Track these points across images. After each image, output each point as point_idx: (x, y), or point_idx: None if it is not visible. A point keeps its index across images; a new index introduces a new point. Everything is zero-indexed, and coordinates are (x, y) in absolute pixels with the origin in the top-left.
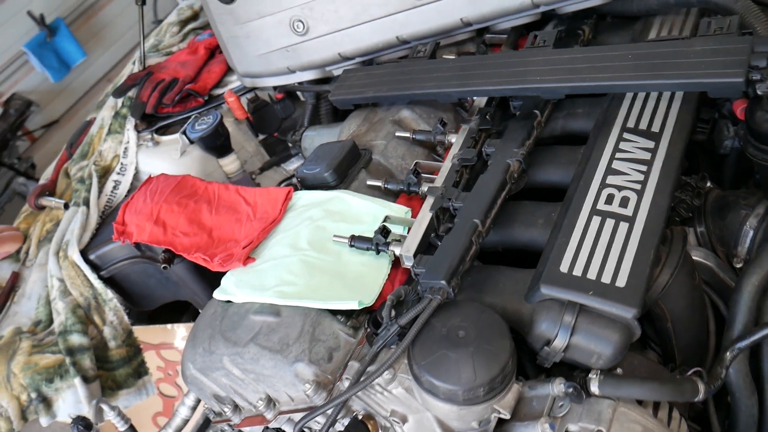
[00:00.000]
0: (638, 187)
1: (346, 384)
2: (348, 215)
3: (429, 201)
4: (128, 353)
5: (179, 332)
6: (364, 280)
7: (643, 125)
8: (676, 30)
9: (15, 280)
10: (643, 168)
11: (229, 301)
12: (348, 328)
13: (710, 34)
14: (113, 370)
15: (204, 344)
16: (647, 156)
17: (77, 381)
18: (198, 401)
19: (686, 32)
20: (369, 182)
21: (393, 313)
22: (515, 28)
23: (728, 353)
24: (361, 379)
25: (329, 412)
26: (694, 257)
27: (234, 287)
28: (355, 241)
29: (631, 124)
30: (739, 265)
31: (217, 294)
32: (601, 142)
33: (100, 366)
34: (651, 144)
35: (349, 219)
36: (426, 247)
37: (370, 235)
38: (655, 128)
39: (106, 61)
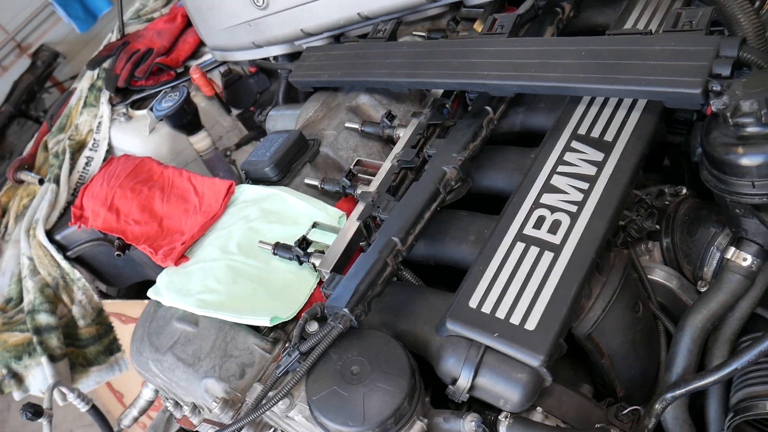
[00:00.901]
0: (573, 209)
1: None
2: (284, 216)
3: (359, 208)
4: (98, 331)
5: None
6: (289, 291)
7: (595, 133)
8: (660, 14)
9: None
10: (585, 186)
11: (159, 302)
12: (265, 342)
13: (676, 30)
14: (83, 348)
15: (136, 344)
16: (592, 171)
17: (44, 360)
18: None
19: (659, 19)
20: (307, 180)
21: (306, 332)
22: (493, 2)
23: (658, 404)
24: (258, 404)
25: None
26: (654, 277)
27: (164, 288)
28: (279, 249)
29: (582, 130)
30: (703, 289)
31: (151, 293)
32: (546, 150)
33: (70, 344)
34: (599, 156)
35: (284, 220)
36: (349, 260)
37: None
38: (609, 137)
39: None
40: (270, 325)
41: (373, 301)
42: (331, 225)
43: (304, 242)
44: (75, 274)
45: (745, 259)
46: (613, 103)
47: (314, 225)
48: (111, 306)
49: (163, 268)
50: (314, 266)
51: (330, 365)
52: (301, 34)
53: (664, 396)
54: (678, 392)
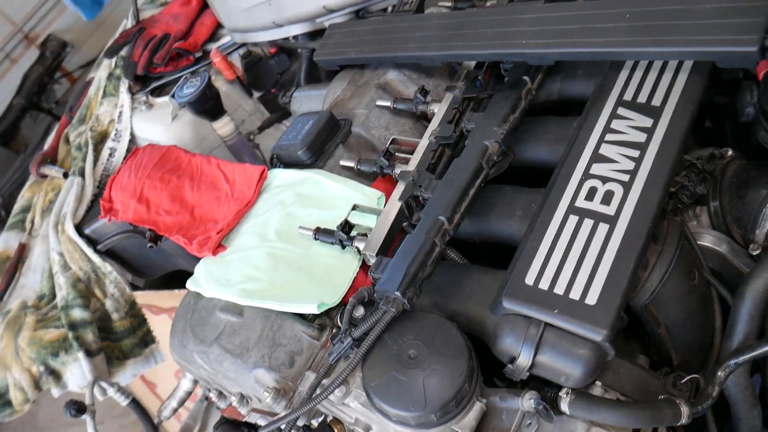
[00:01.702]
0: (626, 178)
1: (303, 395)
2: (320, 200)
3: (399, 188)
4: (132, 324)
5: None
6: (332, 275)
7: (642, 98)
8: None
9: (22, 251)
10: (635, 153)
11: (198, 293)
12: (312, 329)
13: None
14: (119, 341)
15: (178, 336)
16: (642, 138)
17: (80, 355)
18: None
19: None
20: (342, 162)
21: (354, 317)
22: None
23: (721, 372)
24: (314, 394)
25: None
26: (703, 243)
27: (203, 279)
28: (320, 234)
29: (628, 96)
30: (756, 252)
31: (189, 284)
32: (592, 119)
33: (105, 337)
34: (649, 122)
35: (321, 204)
36: (392, 242)
37: None
38: (656, 102)
39: None
40: (317, 312)
41: (423, 283)
42: (372, 207)
43: (346, 226)
44: (106, 267)
45: None
46: (657, 66)
47: (354, 207)
48: (142, 298)
49: (197, 258)
50: (358, 250)
51: (386, 350)
52: (323, 10)
53: (728, 363)
54: (742, 358)
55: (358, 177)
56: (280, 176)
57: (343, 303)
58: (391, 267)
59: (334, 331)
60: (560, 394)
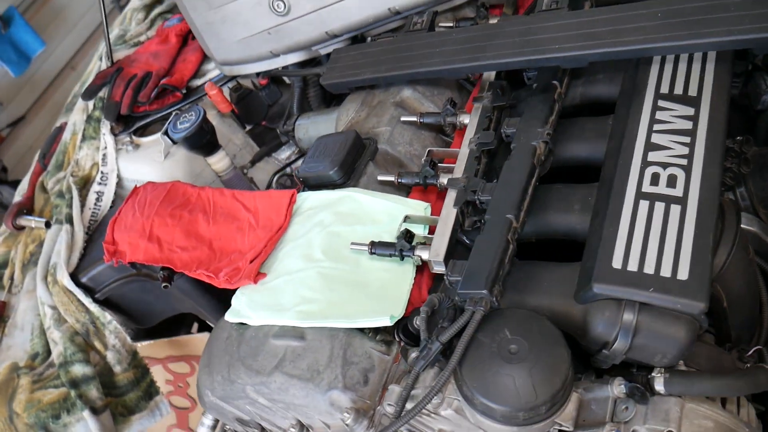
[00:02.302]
0: (684, 162)
1: (389, 409)
2: (362, 216)
3: (451, 195)
4: (136, 375)
5: (185, 343)
6: (388, 289)
7: (678, 90)
8: None
9: (2, 310)
10: (686, 139)
11: (243, 324)
12: (380, 345)
13: None
14: (122, 396)
15: (222, 372)
16: (688, 125)
17: (86, 414)
18: (217, 421)
19: None
20: (380, 177)
21: (429, 326)
22: None
23: None
24: (409, 406)
25: None
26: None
27: (248, 308)
28: (376, 247)
29: (664, 89)
30: None
31: (230, 316)
32: (635, 113)
33: (107, 393)
34: (690, 111)
35: (363, 220)
36: (454, 247)
37: (388, 236)
38: (692, 92)
39: (66, 48)
40: (390, 324)
41: (504, 281)
42: (424, 216)
43: (408, 235)
44: (105, 317)
45: None
46: (684, 58)
47: (406, 218)
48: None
49: (210, 298)
50: (420, 258)
51: (483, 349)
52: (325, 36)
53: None
54: None
55: (397, 190)
56: (310, 199)
57: (404, 316)
58: (468, 269)
59: (402, 344)
60: (653, 374)
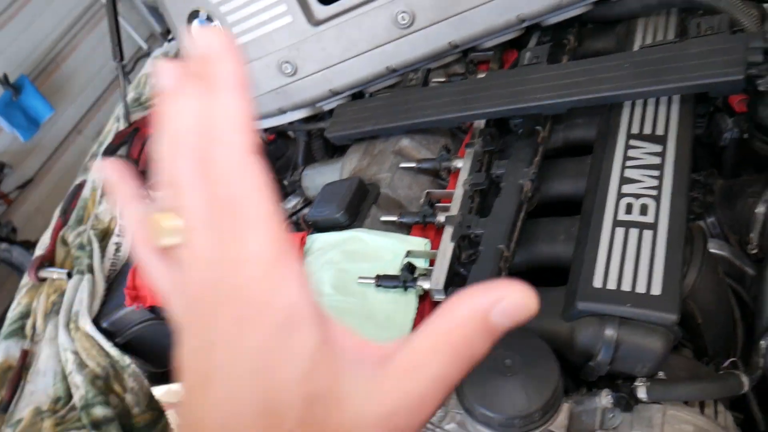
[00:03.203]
0: (654, 192)
1: None
2: (367, 254)
3: (448, 231)
4: (152, 417)
5: None
6: (394, 319)
7: (647, 130)
8: (662, 31)
9: (25, 358)
10: (656, 173)
11: None
12: None
13: (702, 35)
14: None
15: None
16: (657, 160)
17: None
18: None
19: (671, 33)
20: (383, 218)
21: None
22: (499, 45)
23: (762, 341)
24: None
25: None
26: (709, 249)
27: None
28: (382, 280)
29: (635, 130)
30: (753, 251)
31: None
32: (610, 151)
33: None
34: (659, 148)
35: (369, 258)
36: (452, 277)
37: (393, 271)
38: (660, 131)
39: (74, 113)
40: None
41: None
42: (424, 251)
43: (410, 268)
44: (125, 360)
45: None
46: (652, 102)
47: (408, 253)
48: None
49: None
50: (423, 288)
51: (481, 365)
52: (329, 93)
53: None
54: None
55: (398, 229)
56: (318, 240)
57: None
58: None
59: None
60: (636, 383)
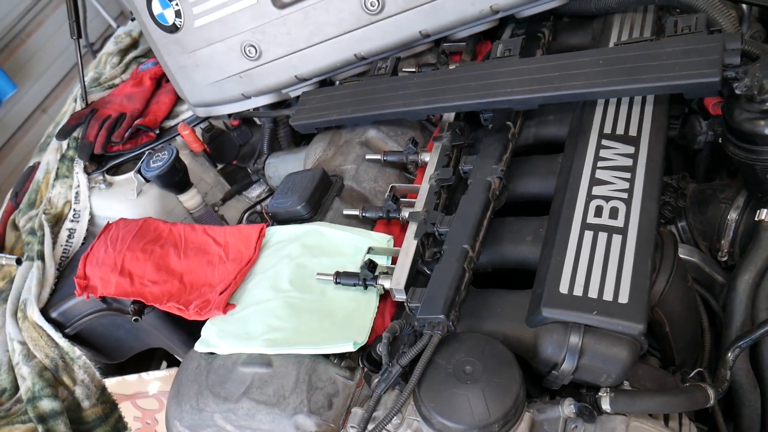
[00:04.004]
0: (625, 196)
1: (352, 431)
2: (328, 249)
3: (412, 228)
4: (104, 410)
5: (153, 380)
6: (353, 317)
7: (620, 130)
8: (638, 28)
9: None
10: (627, 175)
11: (211, 353)
12: (344, 371)
13: (679, 34)
14: (90, 431)
15: (191, 401)
16: (629, 162)
17: None
18: None
19: (647, 31)
20: (346, 211)
21: (391, 351)
22: (473, 36)
23: (730, 354)
24: (371, 427)
25: None
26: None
27: (217, 338)
28: (341, 277)
29: (607, 129)
30: (723, 258)
31: (199, 346)
32: (581, 151)
33: (75, 429)
34: (631, 149)
35: (329, 252)
36: (414, 276)
37: (354, 267)
38: (633, 132)
39: (38, 92)
40: (353, 350)
41: (460, 306)
42: (387, 248)
43: (371, 265)
44: (75, 352)
45: None
46: (626, 101)
47: (369, 250)
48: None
49: (180, 332)
50: (383, 287)
51: (440, 371)
52: (294, 80)
53: (737, 345)
54: (747, 339)
55: (362, 224)
56: (279, 232)
57: (367, 344)
58: (427, 296)
59: (365, 370)
60: (600, 394)
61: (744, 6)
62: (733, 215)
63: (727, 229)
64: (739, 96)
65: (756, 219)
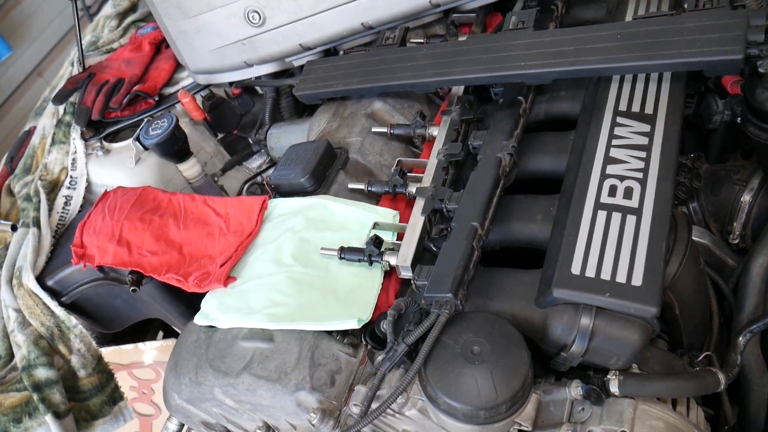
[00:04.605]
0: (640, 175)
1: (354, 410)
2: (332, 223)
3: (419, 203)
4: (100, 380)
5: (149, 350)
6: (357, 294)
7: (635, 108)
8: (656, 2)
9: None
10: (642, 154)
11: (211, 326)
12: (347, 347)
13: (701, 9)
14: (86, 401)
15: (190, 374)
16: (644, 141)
17: (48, 418)
18: (182, 425)
19: (666, 5)
20: (351, 185)
21: (395, 329)
22: (483, 7)
23: (741, 338)
24: (374, 406)
25: None
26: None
27: (217, 311)
28: (345, 252)
29: (622, 107)
30: (735, 241)
31: (199, 319)
32: (595, 128)
33: (71, 398)
34: (647, 128)
35: (333, 227)
36: (421, 253)
37: (357, 242)
38: (649, 110)
39: (33, 54)
40: (357, 327)
41: (468, 285)
42: (392, 223)
43: (377, 241)
44: (71, 321)
45: None
46: (642, 78)
47: (374, 225)
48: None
49: (178, 303)
50: (388, 264)
51: (447, 350)
52: (299, 48)
53: (748, 329)
54: (760, 324)
55: (367, 198)
56: (281, 205)
57: (371, 321)
58: (434, 274)
59: (369, 347)
60: (608, 376)
61: None
62: (746, 197)
63: (740, 212)
64: (762, 75)
65: None
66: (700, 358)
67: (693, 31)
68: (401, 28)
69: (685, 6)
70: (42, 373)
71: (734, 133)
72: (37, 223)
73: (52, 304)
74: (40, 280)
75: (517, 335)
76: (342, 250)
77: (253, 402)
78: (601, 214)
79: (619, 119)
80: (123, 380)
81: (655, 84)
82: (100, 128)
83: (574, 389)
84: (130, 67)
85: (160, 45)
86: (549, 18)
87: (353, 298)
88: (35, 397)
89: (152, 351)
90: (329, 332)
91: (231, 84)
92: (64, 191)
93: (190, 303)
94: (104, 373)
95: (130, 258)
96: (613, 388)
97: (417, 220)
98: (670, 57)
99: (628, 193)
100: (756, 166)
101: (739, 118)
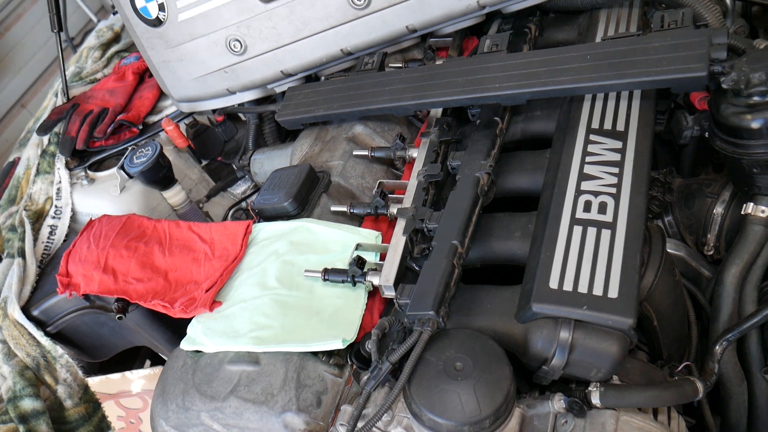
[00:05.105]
0: (613, 191)
1: (341, 429)
2: (315, 245)
3: (401, 224)
4: (87, 410)
5: (137, 379)
6: (341, 315)
7: (607, 125)
8: (624, 23)
9: None
10: (615, 170)
11: (198, 351)
12: (333, 368)
13: (665, 29)
14: (73, 431)
15: (177, 400)
16: (617, 157)
17: None
18: None
19: (634, 26)
20: (333, 208)
21: (380, 348)
22: (459, 31)
23: (718, 347)
24: (361, 425)
25: None
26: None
27: (203, 336)
28: (329, 274)
29: (595, 125)
30: (710, 253)
31: (185, 344)
32: (569, 146)
33: (57, 428)
34: (619, 144)
35: (316, 249)
36: (403, 273)
37: (341, 264)
38: (620, 127)
39: (17, 86)
40: (342, 347)
41: (450, 303)
42: (375, 244)
43: (360, 262)
44: (57, 350)
45: (763, 211)
46: (613, 97)
47: (357, 247)
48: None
49: (165, 330)
50: (372, 284)
51: (430, 367)
52: (280, 75)
53: (725, 338)
54: (735, 332)
55: (349, 220)
56: (265, 229)
57: (354, 342)
58: (416, 292)
59: (354, 367)
60: (590, 388)
61: (728, 1)
62: (719, 209)
63: (713, 224)
64: (726, 90)
65: (742, 213)
66: (679, 368)
67: (659, 51)
68: (380, 53)
69: (651, 26)
70: (28, 404)
71: (705, 147)
72: (22, 254)
73: (38, 334)
74: (26, 310)
75: (498, 350)
76: (326, 271)
77: (241, 425)
78: (577, 229)
79: (592, 137)
80: (110, 410)
81: (625, 102)
82: (84, 158)
83: (557, 402)
84: (114, 96)
85: (144, 74)
86: (522, 41)
87: (338, 319)
88: (21, 429)
89: (140, 380)
90: (315, 353)
91: (214, 111)
92: (49, 221)
93: (177, 329)
94: (91, 402)
95: (116, 285)
96: (595, 399)
97: (399, 240)
98: (637, 75)
99: (602, 208)
100: (727, 179)
101: (707, 133)
